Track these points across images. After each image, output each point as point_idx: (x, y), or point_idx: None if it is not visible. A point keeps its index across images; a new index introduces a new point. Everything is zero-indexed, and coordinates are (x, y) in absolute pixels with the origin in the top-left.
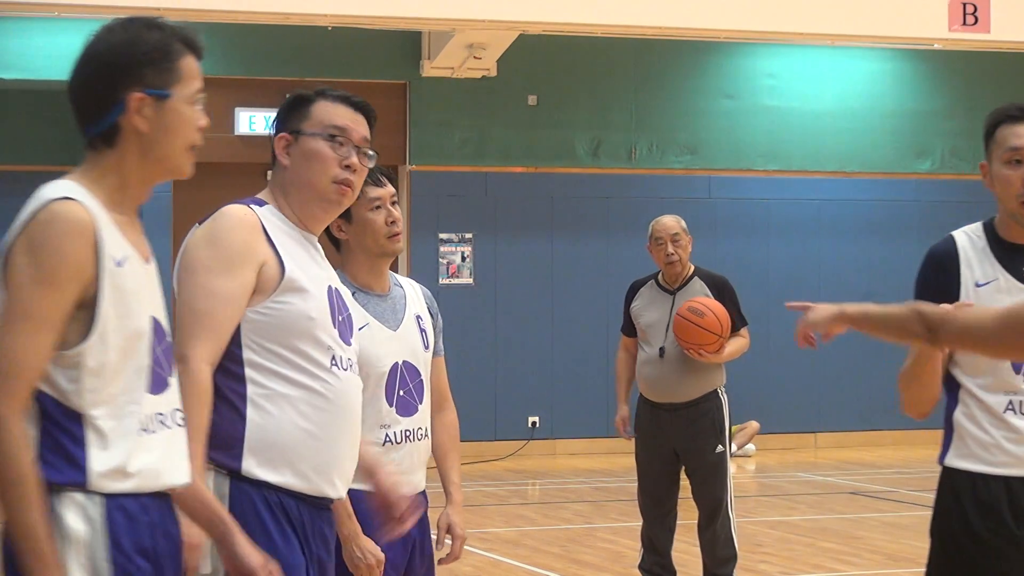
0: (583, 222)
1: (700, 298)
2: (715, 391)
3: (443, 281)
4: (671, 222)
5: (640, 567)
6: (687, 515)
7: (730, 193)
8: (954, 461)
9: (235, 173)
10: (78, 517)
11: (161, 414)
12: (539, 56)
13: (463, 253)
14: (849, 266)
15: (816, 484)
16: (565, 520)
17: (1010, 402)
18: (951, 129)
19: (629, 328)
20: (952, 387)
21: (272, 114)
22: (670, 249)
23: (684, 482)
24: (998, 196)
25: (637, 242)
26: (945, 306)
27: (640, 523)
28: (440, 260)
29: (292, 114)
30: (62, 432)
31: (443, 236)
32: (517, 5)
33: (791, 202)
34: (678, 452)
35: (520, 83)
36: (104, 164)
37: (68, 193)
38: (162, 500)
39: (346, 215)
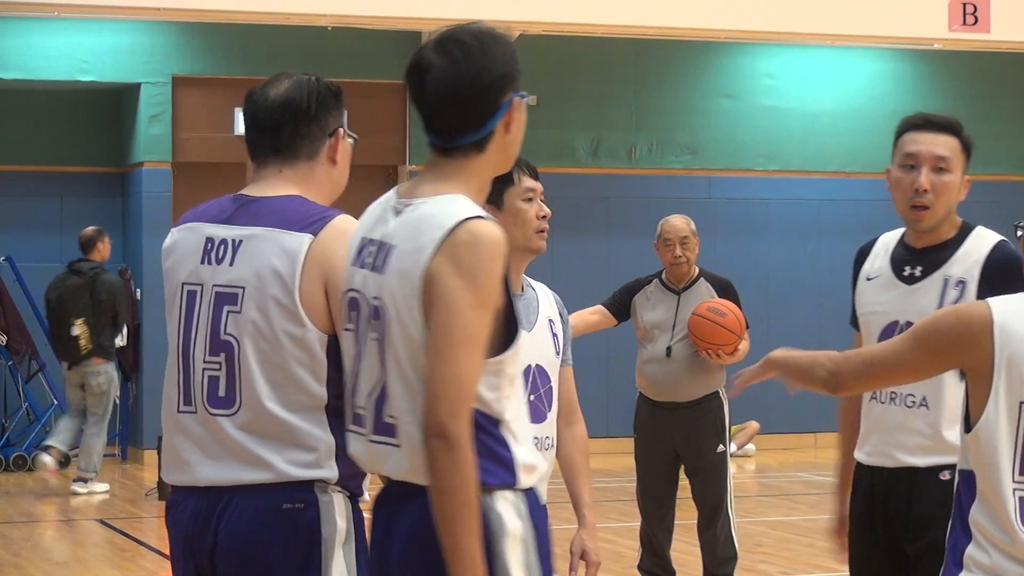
0: (583, 222)
1: (716, 299)
2: (717, 392)
3: None
4: (681, 224)
5: (639, 567)
6: (687, 515)
7: (730, 193)
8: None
9: (235, 173)
10: (514, 515)
11: None
12: (539, 56)
13: None
14: (848, 266)
15: (816, 484)
16: (565, 520)
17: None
18: None
19: (617, 306)
20: None
21: None
22: (678, 251)
23: (684, 482)
24: (894, 199)
25: (637, 242)
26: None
27: (639, 523)
28: None
29: None
30: (491, 438)
31: None
32: (517, 5)
33: (790, 202)
34: (678, 452)
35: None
36: (470, 168)
37: (475, 211)
38: None
39: (496, 201)
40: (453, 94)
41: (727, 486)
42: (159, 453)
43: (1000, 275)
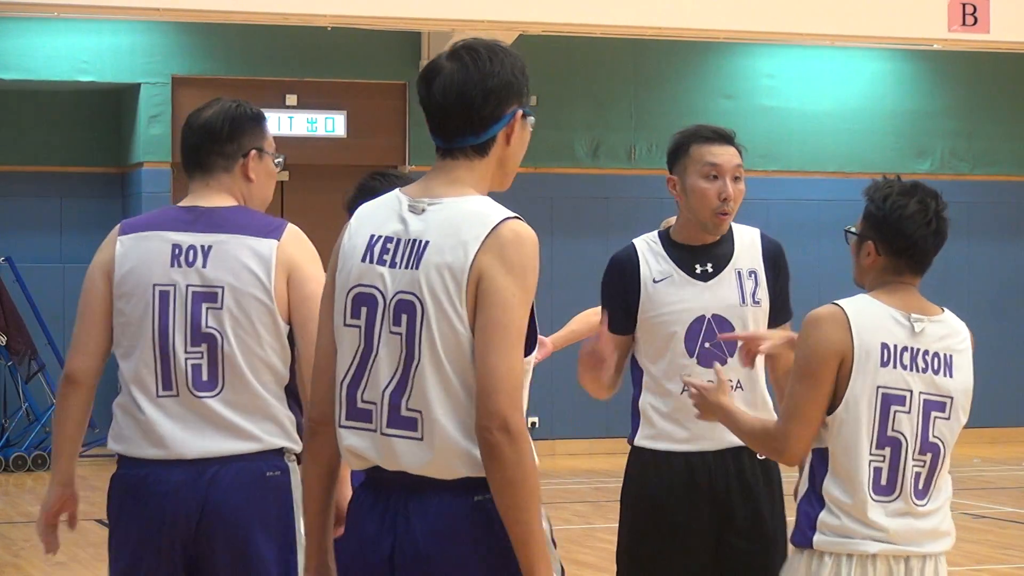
0: (582, 222)
1: None
2: None
3: None
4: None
5: None
6: None
7: None
8: (642, 442)
9: None
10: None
11: None
12: (539, 56)
13: None
14: (848, 267)
15: None
16: (564, 520)
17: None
18: (951, 129)
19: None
20: (637, 375)
21: (272, 114)
22: None
23: None
24: (692, 206)
25: None
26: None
27: None
28: None
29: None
30: None
31: None
32: (517, 5)
33: (791, 202)
34: None
35: None
36: (474, 173)
37: (510, 211)
38: None
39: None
40: (458, 94)
41: None
42: None
43: (778, 259)
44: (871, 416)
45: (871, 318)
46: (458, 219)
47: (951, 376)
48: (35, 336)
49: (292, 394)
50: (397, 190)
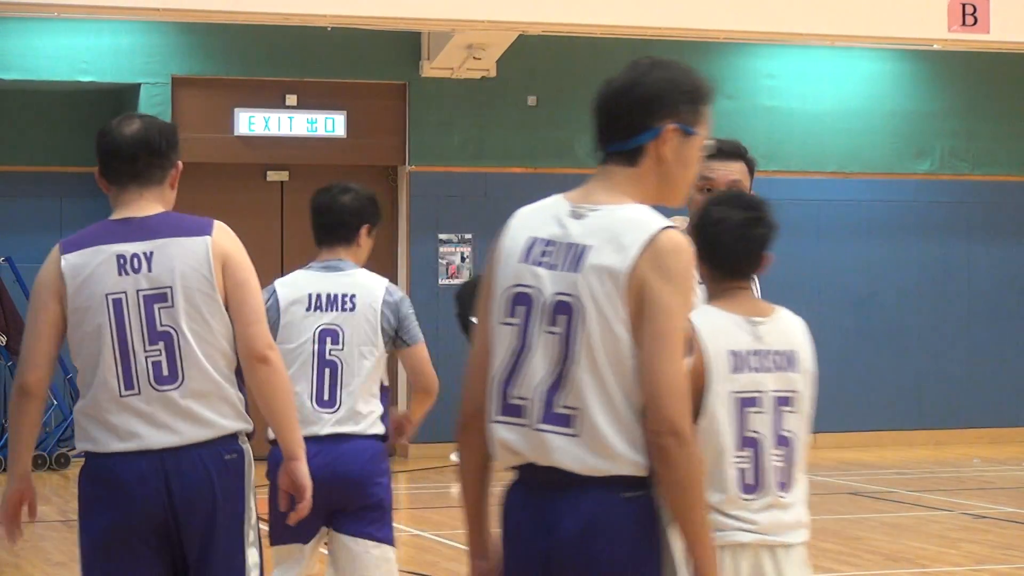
0: None
1: None
2: None
3: (443, 282)
4: (681, 224)
5: None
6: None
7: None
8: None
9: (234, 174)
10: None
11: None
12: (539, 56)
13: (463, 254)
14: (848, 266)
15: (816, 484)
16: None
17: None
18: (950, 130)
19: None
20: None
21: (272, 114)
22: None
23: None
24: (691, 216)
25: None
26: None
27: None
28: (440, 261)
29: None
30: None
31: (443, 237)
32: (517, 5)
33: (790, 202)
34: None
35: (520, 83)
36: (630, 182)
37: (667, 221)
38: None
39: None
40: (608, 101)
41: None
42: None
43: None
44: (729, 421)
45: (715, 328)
46: (618, 225)
47: (797, 371)
48: None
49: (241, 374)
50: (559, 195)
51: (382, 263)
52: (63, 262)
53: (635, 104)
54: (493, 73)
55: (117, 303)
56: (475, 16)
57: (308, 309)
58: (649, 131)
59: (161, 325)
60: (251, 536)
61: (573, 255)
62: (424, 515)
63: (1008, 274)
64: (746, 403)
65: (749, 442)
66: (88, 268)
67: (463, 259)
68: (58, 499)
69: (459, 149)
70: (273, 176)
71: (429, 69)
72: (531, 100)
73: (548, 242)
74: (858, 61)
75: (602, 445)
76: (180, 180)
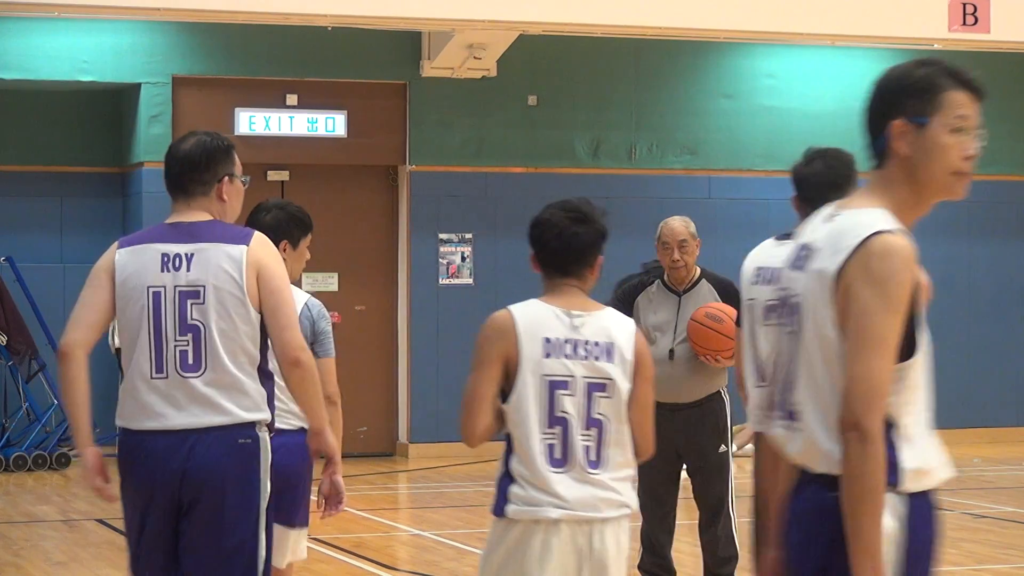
0: None
1: (714, 303)
2: (719, 392)
3: (443, 281)
4: (680, 227)
5: (639, 567)
6: (687, 515)
7: (730, 193)
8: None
9: None
10: (889, 515)
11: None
12: (539, 56)
13: (463, 253)
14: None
15: None
16: None
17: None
18: None
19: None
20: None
21: (272, 114)
22: (676, 255)
23: (684, 482)
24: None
25: (636, 242)
26: None
27: (640, 523)
28: (440, 260)
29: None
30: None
31: (443, 236)
32: (517, 5)
33: (791, 202)
34: (680, 452)
35: (520, 83)
36: (883, 185)
37: (889, 225)
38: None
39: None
40: (863, 113)
41: (729, 486)
42: None
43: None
44: (538, 401)
45: (534, 317)
46: (844, 229)
47: (612, 362)
48: (35, 336)
49: (264, 371)
50: (837, 201)
51: (382, 263)
52: (118, 255)
53: (868, 112)
54: (493, 73)
55: (156, 295)
56: (475, 16)
57: None
58: (880, 133)
59: (191, 319)
60: (263, 519)
61: (807, 257)
62: (424, 515)
63: (1008, 274)
64: (556, 385)
65: (559, 420)
66: (137, 262)
67: (463, 259)
68: (58, 499)
69: (459, 149)
70: (274, 176)
71: (429, 69)
72: (531, 100)
73: (803, 245)
74: (858, 61)
75: (812, 442)
76: None
